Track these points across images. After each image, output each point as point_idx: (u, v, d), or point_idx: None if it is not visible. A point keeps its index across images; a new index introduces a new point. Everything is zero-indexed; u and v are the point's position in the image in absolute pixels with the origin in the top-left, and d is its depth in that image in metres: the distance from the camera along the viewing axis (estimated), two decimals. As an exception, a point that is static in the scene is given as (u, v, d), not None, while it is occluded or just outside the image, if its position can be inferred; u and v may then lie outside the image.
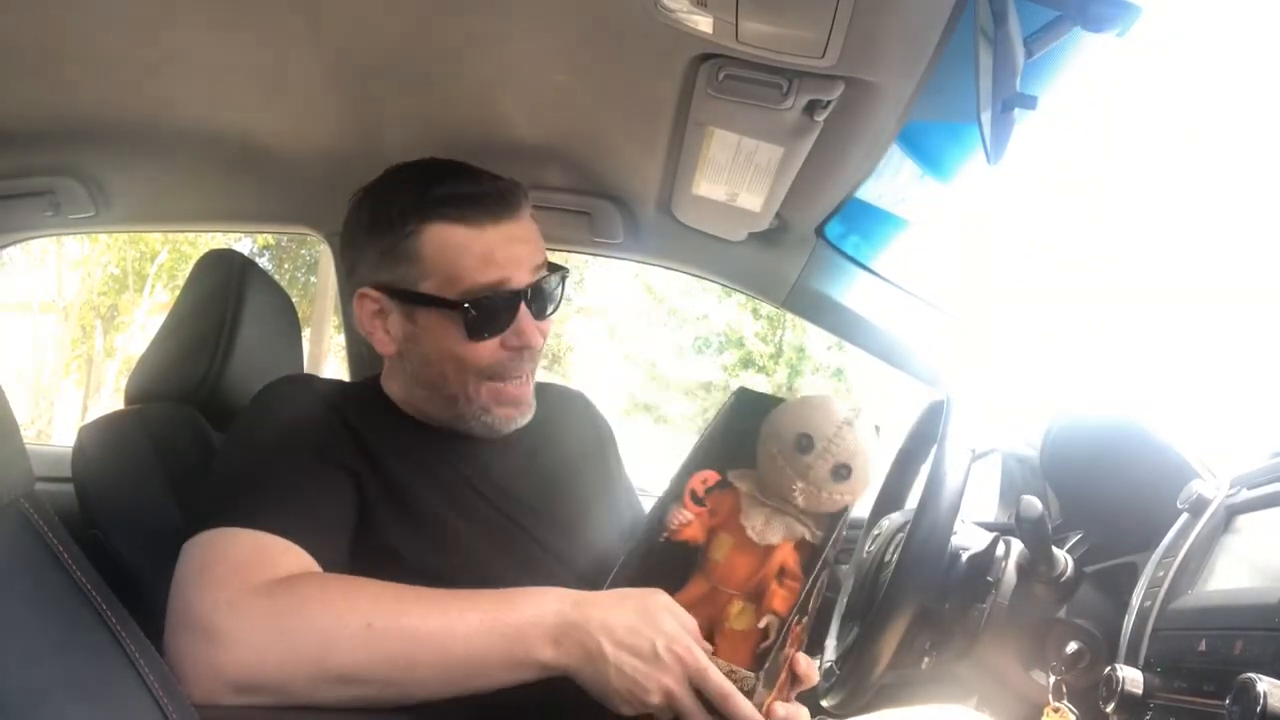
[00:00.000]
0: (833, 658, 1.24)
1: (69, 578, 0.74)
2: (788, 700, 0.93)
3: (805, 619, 0.92)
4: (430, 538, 1.03)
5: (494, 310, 1.06)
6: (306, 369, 1.68)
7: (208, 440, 1.32)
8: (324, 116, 1.37)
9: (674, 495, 0.95)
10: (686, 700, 0.84)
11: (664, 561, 0.93)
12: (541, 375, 1.19)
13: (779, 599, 0.90)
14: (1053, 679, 1.04)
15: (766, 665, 0.85)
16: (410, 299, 1.07)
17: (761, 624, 0.89)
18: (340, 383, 1.22)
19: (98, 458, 1.27)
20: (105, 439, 1.30)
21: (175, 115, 1.38)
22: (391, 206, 1.07)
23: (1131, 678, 0.87)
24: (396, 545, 1.01)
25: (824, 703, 1.15)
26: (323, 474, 1.00)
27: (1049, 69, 1.05)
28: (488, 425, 1.11)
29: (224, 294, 1.36)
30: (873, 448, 0.92)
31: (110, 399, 11.06)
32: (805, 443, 0.90)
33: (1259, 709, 0.68)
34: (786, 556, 0.91)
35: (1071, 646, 1.04)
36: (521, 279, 1.07)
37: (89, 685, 0.70)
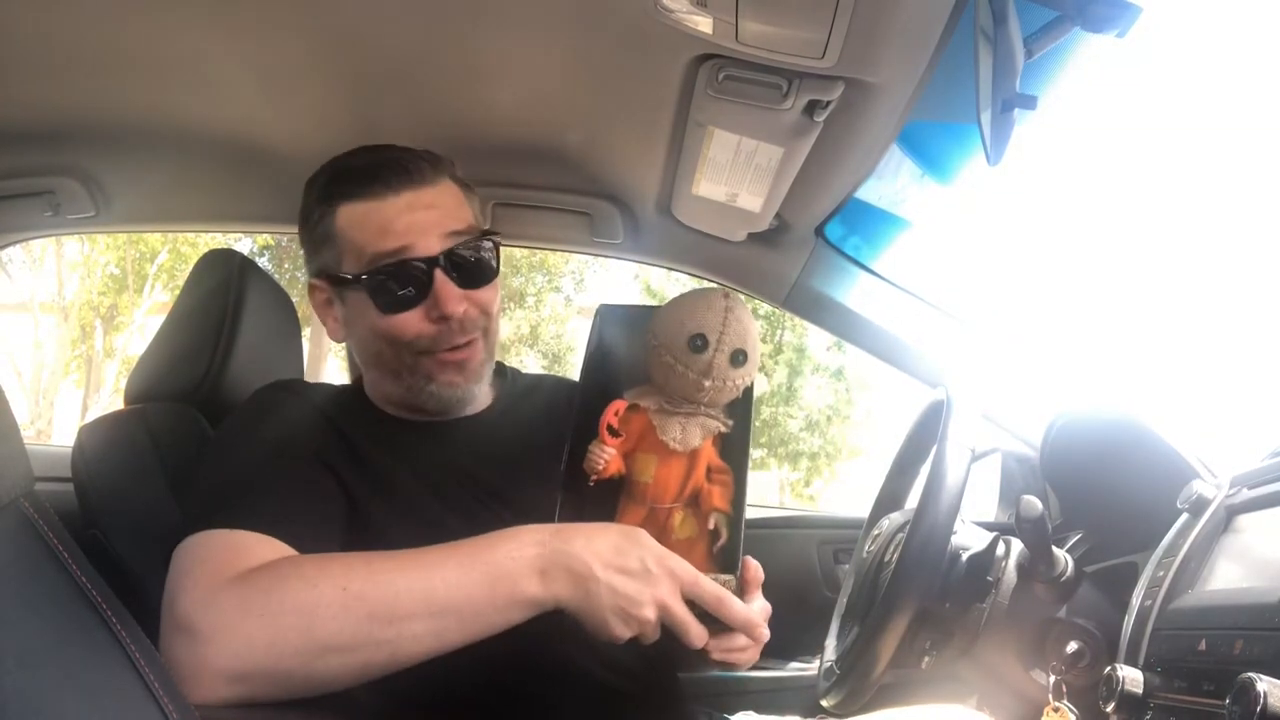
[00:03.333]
0: (833, 658, 1.24)
1: (69, 578, 0.74)
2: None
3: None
4: (422, 534, 1.02)
5: (400, 281, 1.06)
6: (306, 369, 1.68)
7: (207, 440, 1.32)
8: (324, 116, 1.37)
9: (583, 437, 0.93)
10: (681, 611, 0.85)
11: (595, 504, 0.93)
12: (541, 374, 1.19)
13: (717, 495, 0.92)
14: (1053, 679, 1.04)
15: (739, 563, 0.88)
16: (338, 282, 1.10)
17: (711, 525, 0.91)
18: (328, 386, 1.23)
19: (98, 458, 1.27)
20: (105, 439, 1.30)
21: (175, 115, 1.38)
22: (311, 194, 1.12)
23: (1131, 677, 0.87)
24: (392, 543, 1.01)
25: (824, 703, 1.15)
26: (304, 471, 1.01)
27: (1049, 69, 1.05)
28: (435, 397, 1.11)
29: (224, 294, 1.36)
30: (753, 321, 0.93)
31: (110, 399, 11.06)
32: (699, 342, 0.90)
33: (1259, 709, 0.68)
34: (709, 454, 0.93)
35: (1071, 646, 1.04)
36: (429, 246, 1.06)
37: (89, 685, 0.70)
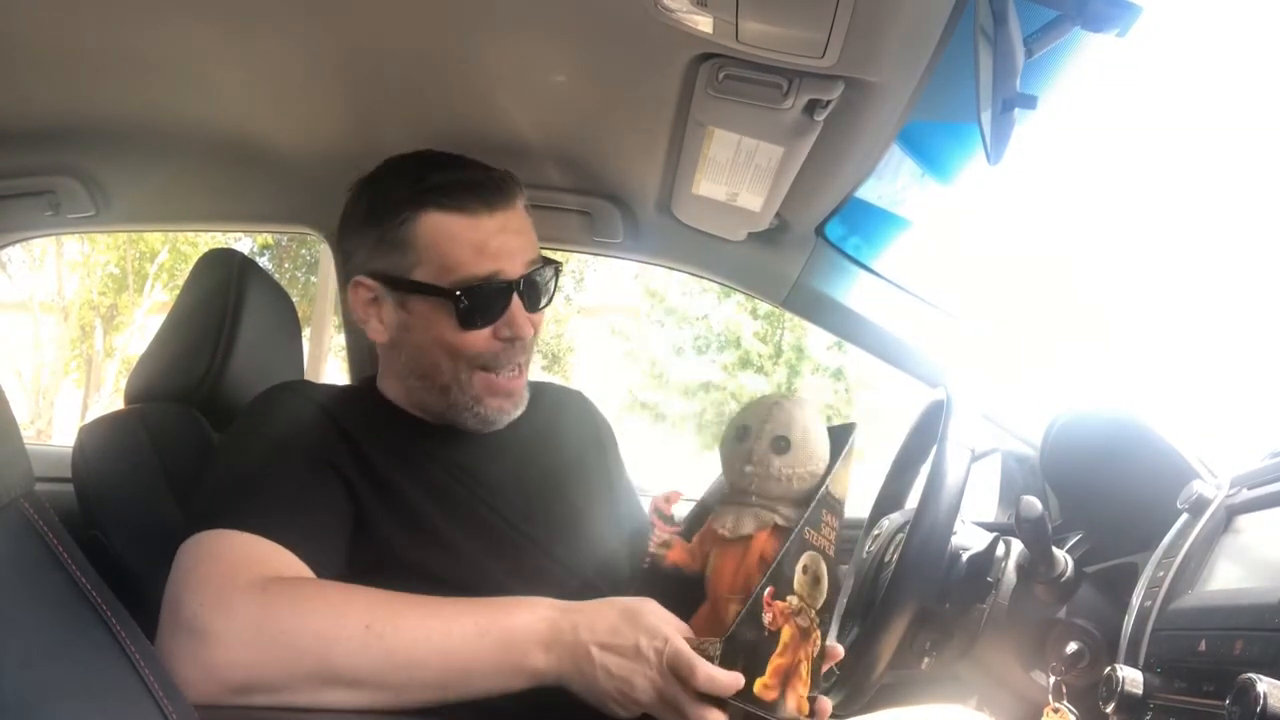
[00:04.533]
0: (833, 658, 1.24)
1: (69, 578, 0.74)
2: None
3: (798, 601, 0.88)
4: (425, 540, 1.03)
5: (486, 300, 1.06)
6: (306, 369, 1.68)
7: (208, 440, 1.32)
8: (324, 116, 1.37)
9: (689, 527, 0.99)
10: (670, 688, 0.84)
11: (663, 593, 0.93)
12: (541, 375, 1.19)
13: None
14: (1053, 679, 1.04)
15: (731, 632, 0.85)
16: (404, 287, 1.08)
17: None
18: (334, 387, 1.22)
19: (98, 458, 1.27)
20: (105, 439, 1.30)
21: (175, 115, 1.38)
22: (387, 195, 1.09)
23: (1131, 678, 0.87)
24: (395, 548, 1.01)
25: (824, 702, 1.15)
26: (315, 479, 1.01)
27: (1049, 69, 1.05)
28: (479, 416, 1.11)
29: (224, 294, 1.36)
30: (809, 416, 0.94)
31: (110, 399, 11.06)
32: (743, 432, 0.94)
33: (1259, 709, 0.68)
34: (764, 545, 0.92)
35: (1071, 646, 1.04)
36: (514, 270, 1.07)
37: (89, 685, 0.70)
